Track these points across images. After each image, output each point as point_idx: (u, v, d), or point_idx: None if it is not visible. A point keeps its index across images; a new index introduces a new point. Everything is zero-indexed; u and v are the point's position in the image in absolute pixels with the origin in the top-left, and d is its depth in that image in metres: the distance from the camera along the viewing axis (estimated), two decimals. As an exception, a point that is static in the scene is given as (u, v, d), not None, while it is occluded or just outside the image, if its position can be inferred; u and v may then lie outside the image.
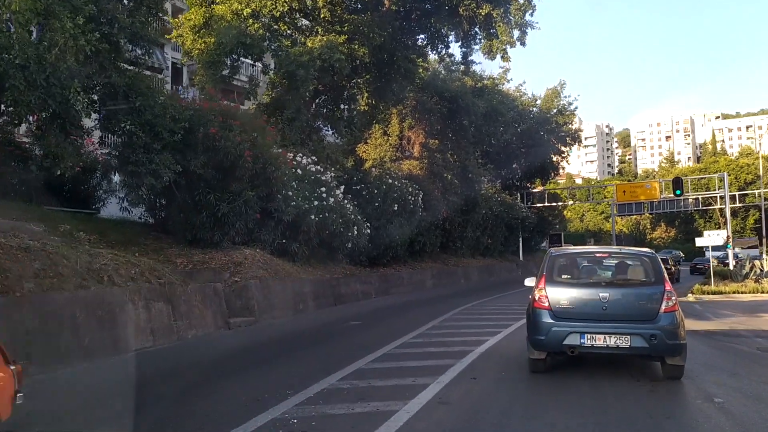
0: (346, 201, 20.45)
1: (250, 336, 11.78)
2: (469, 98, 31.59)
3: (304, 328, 13.56)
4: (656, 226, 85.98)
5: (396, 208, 24.16)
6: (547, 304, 7.65)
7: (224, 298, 12.74)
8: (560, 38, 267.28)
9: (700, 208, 58.50)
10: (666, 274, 7.99)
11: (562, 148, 43.99)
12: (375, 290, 22.50)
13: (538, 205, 44.10)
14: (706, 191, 57.94)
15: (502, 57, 22.66)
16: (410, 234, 26.50)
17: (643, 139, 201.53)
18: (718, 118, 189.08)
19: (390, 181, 24.35)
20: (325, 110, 25.17)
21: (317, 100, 24.54)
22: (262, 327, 12.97)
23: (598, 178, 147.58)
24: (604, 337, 7.36)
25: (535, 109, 42.47)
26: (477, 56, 65.34)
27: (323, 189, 18.85)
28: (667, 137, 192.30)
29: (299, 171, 18.75)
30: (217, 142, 14.05)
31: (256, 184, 15.42)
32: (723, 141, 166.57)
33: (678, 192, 38.97)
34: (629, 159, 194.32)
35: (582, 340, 7.43)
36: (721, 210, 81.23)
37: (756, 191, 56.60)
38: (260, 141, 14.99)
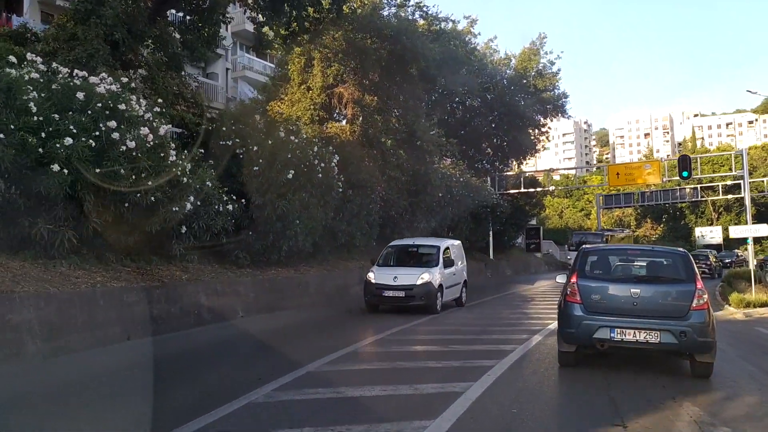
0: (176, 152, 11.79)
1: None
2: (419, 38, 23.23)
3: None
4: (641, 222, 78.65)
5: (291, 176, 15.61)
6: (578, 299, 7.72)
7: None
8: (538, 35, 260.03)
9: (699, 198, 51.06)
10: (698, 272, 7.90)
11: (543, 120, 35.78)
12: (248, 305, 13.91)
13: (513, 191, 35.90)
14: (698, 182, 50.64)
15: None
16: (326, 219, 18.06)
17: (622, 137, 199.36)
18: (696, 116, 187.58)
19: (282, 135, 15.77)
20: (189, 36, 16.52)
21: (167, 16, 15.90)
22: None
23: (577, 175, 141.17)
24: (634, 332, 7.39)
25: (508, 70, 34.17)
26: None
27: (113, 124, 10.17)
28: (646, 134, 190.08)
29: (80, 96, 10.18)
30: None
31: None
32: (702, 138, 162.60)
33: (685, 174, 31.08)
34: (607, 158, 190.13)
35: (612, 335, 7.48)
36: (714, 203, 74.47)
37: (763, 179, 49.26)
38: None
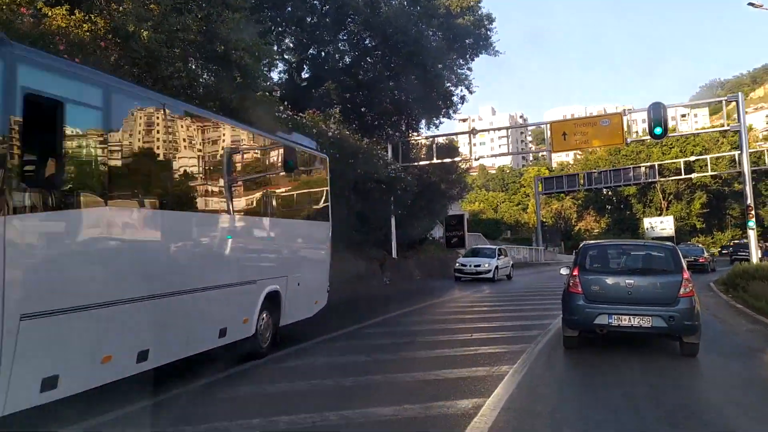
0: None
1: None
2: None
3: None
4: (583, 214, 70.67)
5: None
6: (580, 289, 8.48)
7: None
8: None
9: (656, 179, 42.60)
10: (684, 264, 8.70)
11: (460, 61, 25.78)
12: None
13: (424, 163, 25.90)
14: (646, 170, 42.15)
15: None
16: None
17: None
18: (630, 110, 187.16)
19: None
20: None
21: None
22: None
23: (512, 166, 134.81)
24: (629, 318, 8.14)
25: (410, -14, 23.94)
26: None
27: None
28: None
29: None
30: None
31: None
32: (637, 132, 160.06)
33: (659, 130, 22.08)
34: (543, 155, 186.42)
35: (610, 320, 8.22)
36: (664, 191, 67.17)
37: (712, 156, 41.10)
38: None
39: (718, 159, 48.66)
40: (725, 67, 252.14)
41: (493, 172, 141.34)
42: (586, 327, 8.50)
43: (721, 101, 22.20)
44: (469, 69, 25.96)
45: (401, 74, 24.22)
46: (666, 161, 44.73)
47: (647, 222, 56.27)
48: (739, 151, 23.00)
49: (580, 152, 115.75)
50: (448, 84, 25.45)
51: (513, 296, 18.66)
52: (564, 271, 9.48)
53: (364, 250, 23.58)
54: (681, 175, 40.13)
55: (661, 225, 55.03)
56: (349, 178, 19.98)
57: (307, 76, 25.17)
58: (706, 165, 42.26)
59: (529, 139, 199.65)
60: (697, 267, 27.71)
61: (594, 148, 27.58)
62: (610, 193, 64.25)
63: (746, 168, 21.58)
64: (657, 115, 21.87)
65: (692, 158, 40.92)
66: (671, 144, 58.51)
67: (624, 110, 23.44)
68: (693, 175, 39.79)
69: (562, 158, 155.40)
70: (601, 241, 11.40)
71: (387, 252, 25.15)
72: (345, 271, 20.64)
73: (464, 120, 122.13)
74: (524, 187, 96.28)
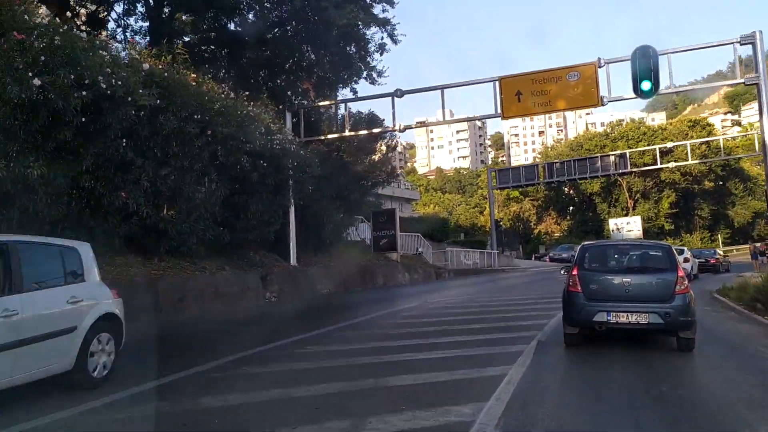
0: None
1: None
2: None
3: None
4: (543, 216, 65.17)
5: None
6: (579, 288, 8.61)
7: None
8: (423, 37, 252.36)
9: (628, 169, 36.81)
10: (678, 262, 8.83)
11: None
12: None
13: (333, 136, 19.18)
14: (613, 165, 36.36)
15: None
16: None
17: (516, 135, 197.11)
18: (589, 114, 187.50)
19: None
20: None
21: None
22: None
23: (470, 168, 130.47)
24: (627, 315, 8.27)
25: None
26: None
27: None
28: (540, 132, 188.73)
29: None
30: None
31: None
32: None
33: (647, 85, 15.98)
34: (502, 160, 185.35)
35: (608, 317, 8.34)
36: (630, 189, 62.12)
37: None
38: None
39: (691, 152, 43.56)
40: (680, 74, 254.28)
41: (451, 174, 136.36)
42: (585, 324, 8.61)
43: (731, 43, 16.10)
44: (389, 3, 19.34)
45: (288, 11, 17.47)
46: (638, 149, 39.25)
47: (613, 223, 50.99)
48: (758, 119, 16.97)
49: (539, 155, 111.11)
50: (360, 25, 18.61)
51: (442, 324, 11.94)
52: (564, 272, 9.66)
53: (241, 253, 16.67)
54: (657, 164, 34.51)
55: (627, 226, 49.78)
56: (195, 142, 13.13)
57: (168, 11, 18.17)
58: (678, 158, 36.83)
59: (488, 143, 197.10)
60: (708, 267, 28.99)
61: (559, 111, 21.58)
62: (572, 191, 58.88)
63: (767, 136, 15.57)
64: (645, 64, 15.70)
65: (669, 144, 35.44)
66: (638, 137, 53.52)
67: (599, 60, 16.99)
68: (671, 164, 34.36)
69: (521, 160, 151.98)
70: (599, 241, 11.88)
71: (279, 257, 18.26)
72: (201, 286, 13.71)
73: (422, 122, 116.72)
74: (482, 188, 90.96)
